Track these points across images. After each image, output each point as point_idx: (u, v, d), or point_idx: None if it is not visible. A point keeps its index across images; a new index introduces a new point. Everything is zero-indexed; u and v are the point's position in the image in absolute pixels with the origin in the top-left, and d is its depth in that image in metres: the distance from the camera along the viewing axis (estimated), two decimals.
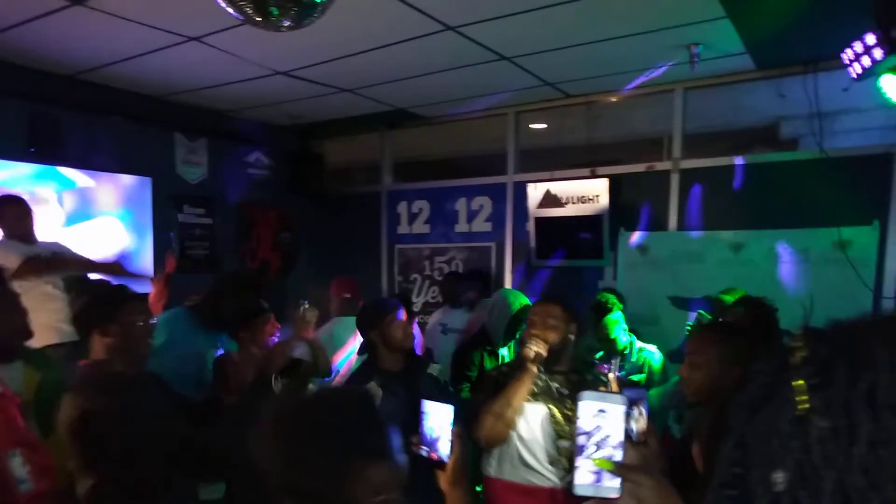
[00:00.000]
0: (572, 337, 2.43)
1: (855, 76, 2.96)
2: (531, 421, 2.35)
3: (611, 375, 2.80)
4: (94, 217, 4.50)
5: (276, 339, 2.77)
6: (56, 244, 3.74)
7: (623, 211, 4.55)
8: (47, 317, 3.22)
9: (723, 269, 4.09)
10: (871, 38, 2.78)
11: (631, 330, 3.44)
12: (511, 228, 5.15)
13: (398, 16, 3.14)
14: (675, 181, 4.42)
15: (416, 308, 5.53)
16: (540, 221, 4.77)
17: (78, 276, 3.50)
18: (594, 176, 4.68)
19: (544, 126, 5.43)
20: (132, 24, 3.28)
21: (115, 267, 3.79)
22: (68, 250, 3.74)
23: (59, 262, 3.56)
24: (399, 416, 2.27)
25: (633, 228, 4.53)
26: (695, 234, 4.31)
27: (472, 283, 4.51)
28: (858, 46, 2.85)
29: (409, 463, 1.07)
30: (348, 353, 3.49)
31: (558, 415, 2.34)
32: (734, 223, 4.16)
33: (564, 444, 2.29)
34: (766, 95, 4.30)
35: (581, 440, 1.02)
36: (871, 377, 0.51)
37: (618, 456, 1.02)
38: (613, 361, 2.96)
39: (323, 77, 4.23)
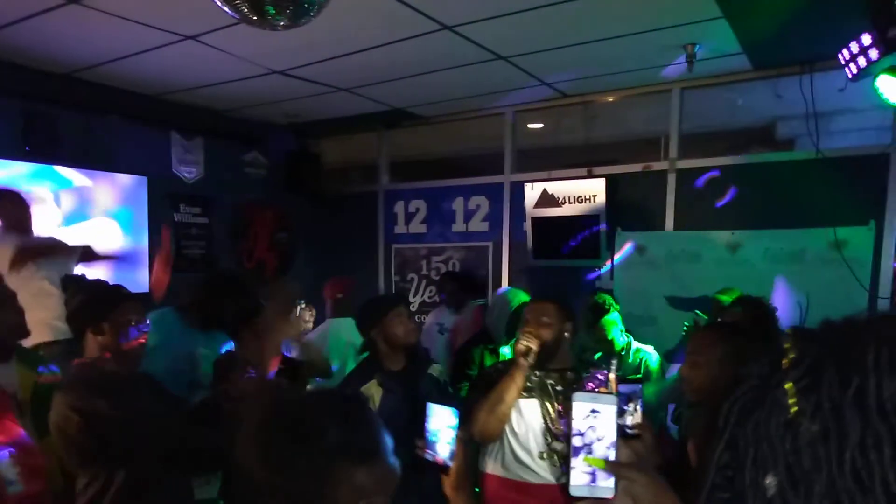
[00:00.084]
0: (568, 335, 2.43)
1: (851, 76, 2.96)
2: (525, 417, 2.35)
3: (611, 375, 2.80)
4: (91, 217, 4.49)
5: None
6: (51, 239, 3.72)
7: (620, 211, 4.54)
8: (42, 313, 3.21)
9: (719, 269, 4.10)
10: (867, 39, 2.78)
11: (626, 331, 3.44)
12: (508, 228, 5.15)
13: (395, 15, 3.13)
14: (671, 181, 4.42)
15: (412, 308, 5.52)
16: (537, 221, 4.77)
17: (75, 275, 3.49)
18: (591, 176, 4.67)
19: (541, 126, 5.43)
20: (128, 22, 3.27)
21: (87, 250, 3.78)
22: (62, 243, 3.72)
23: (47, 248, 3.55)
24: (400, 416, 2.28)
25: (629, 228, 4.53)
26: (691, 234, 4.31)
27: (457, 283, 4.48)
28: (854, 47, 2.86)
29: (414, 466, 1.04)
30: (340, 354, 3.48)
31: (552, 411, 2.34)
32: (731, 223, 4.17)
33: (558, 445, 2.29)
34: (763, 95, 4.31)
35: (575, 441, 1.02)
36: (860, 379, 0.50)
37: (611, 456, 1.02)
38: (613, 362, 2.97)
39: (319, 76, 4.22)
